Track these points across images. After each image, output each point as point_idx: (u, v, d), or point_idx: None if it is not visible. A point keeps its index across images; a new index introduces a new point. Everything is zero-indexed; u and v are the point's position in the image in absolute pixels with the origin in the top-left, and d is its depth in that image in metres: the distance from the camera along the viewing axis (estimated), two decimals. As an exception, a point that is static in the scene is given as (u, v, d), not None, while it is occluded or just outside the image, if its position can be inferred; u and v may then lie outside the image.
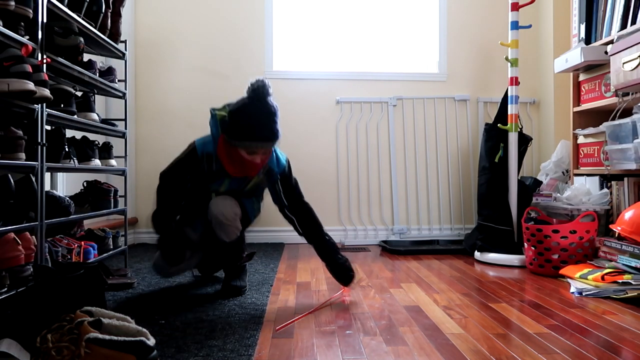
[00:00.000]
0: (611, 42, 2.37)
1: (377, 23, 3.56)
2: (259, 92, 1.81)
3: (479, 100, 3.53)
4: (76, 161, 1.96)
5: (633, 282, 1.93)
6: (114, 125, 2.33)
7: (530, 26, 2.88)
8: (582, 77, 2.71)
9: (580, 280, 2.09)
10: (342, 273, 1.95)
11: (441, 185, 3.51)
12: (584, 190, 2.52)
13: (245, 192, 2.00)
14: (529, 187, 2.86)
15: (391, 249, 3.06)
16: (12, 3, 1.53)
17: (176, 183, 1.93)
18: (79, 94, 2.21)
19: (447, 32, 3.52)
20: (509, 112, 2.79)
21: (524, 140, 2.84)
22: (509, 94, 2.79)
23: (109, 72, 2.36)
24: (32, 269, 1.61)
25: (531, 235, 2.38)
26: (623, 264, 2.08)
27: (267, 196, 2.13)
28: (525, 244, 2.46)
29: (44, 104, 1.71)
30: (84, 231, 2.32)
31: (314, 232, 2.00)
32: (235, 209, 1.91)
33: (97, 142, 2.19)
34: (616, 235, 2.21)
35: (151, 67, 3.43)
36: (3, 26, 1.51)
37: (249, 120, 1.79)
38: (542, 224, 2.47)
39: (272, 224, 3.46)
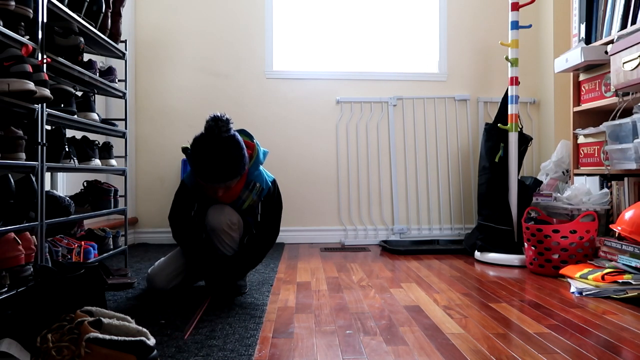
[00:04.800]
0: (611, 42, 2.37)
1: (377, 23, 3.56)
2: (210, 132, 1.76)
3: (479, 100, 3.53)
4: (76, 161, 1.96)
5: (633, 282, 1.93)
6: (114, 125, 2.33)
7: (530, 26, 2.88)
8: (582, 77, 2.71)
9: (581, 280, 2.09)
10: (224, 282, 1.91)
11: (441, 185, 3.51)
12: (584, 190, 2.52)
13: (243, 211, 1.97)
14: (529, 187, 2.86)
15: (391, 249, 3.06)
16: (12, 3, 1.53)
17: (183, 219, 1.96)
18: (79, 93, 2.22)
19: (447, 32, 3.52)
20: (509, 112, 2.79)
21: (524, 140, 2.84)
22: (509, 93, 2.79)
23: (109, 72, 2.36)
24: (32, 269, 1.61)
25: (531, 235, 2.38)
26: (623, 264, 2.08)
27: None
28: (525, 243, 2.46)
29: (44, 104, 1.71)
30: (84, 231, 2.32)
31: (247, 251, 1.97)
32: (231, 217, 1.91)
33: (97, 142, 2.19)
34: (616, 235, 2.21)
35: (151, 67, 3.43)
36: (3, 26, 1.51)
37: (197, 160, 1.77)
38: (542, 223, 2.47)
39: (272, 224, 3.46)
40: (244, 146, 1.83)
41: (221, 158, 1.75)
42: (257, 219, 2.00)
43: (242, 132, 1.98)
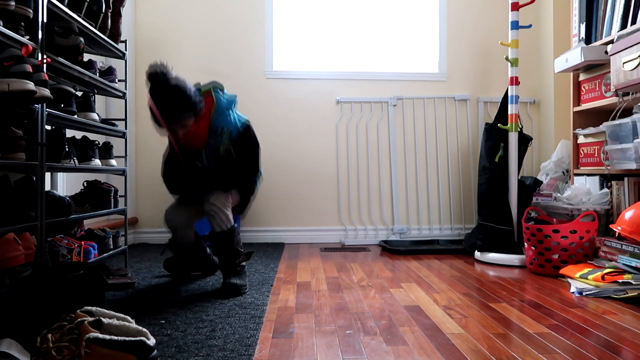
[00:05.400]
0: (611, 41, 2.37)
1: (377, 23, 3.56)
2: (150, 81, 1.95)
3: (479, 100, 3.53)
4: (76, 161, 1.96)
5: (633, 282, 1.93)
6: (114, 125, 2.33)
7: (530, 26, 2.87)
8: (582, 77, 2.71)
9: (581, 280, 2.09)
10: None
11: (441, 185, 3.51)
12: (584, 190, 2.52)
13: (224, 160, 2.09)
14: (529, 187, 2.86)
15: (391, 249, 3.05)
16: (12, 3, 1.53)
17: (173, 173, 2.20)
18: (79, 94, 2.22)
19: (447, 32, 3.52)
20: (509, 112, 2.79)
21: (524, 140, 2.84)
22: (509, 93, 2.79)
23: (109, 72, 2.36)
24: (32, 269, 1.61)
25: (531, 235, 2.38)
26: (623, 264, 2.08)
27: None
28: (525, 243, 2.46)
29: (44, 104, 1.71)
30: (84, 231, 2.32)
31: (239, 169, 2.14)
32: (224, 201, 2.09)
33: (97, 142, 2.19)
34: (616, 235, 2.21)
35: (151, 67, 3.43)
36: (3, 26, 1.51)
37: (150, 106, 1.97)
38: (542, 223, 2.47)
39: (272, 224, 3.46)
40: (187, 84, 1.98)
41: (165, 94, 1.93)
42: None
43: (213, 88, 2.15)
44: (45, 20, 1.74)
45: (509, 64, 2.79)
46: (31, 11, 1.62)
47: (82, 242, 2.09)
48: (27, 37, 1.68)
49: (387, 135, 3.50)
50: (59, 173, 2.55)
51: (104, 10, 2.14)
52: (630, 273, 2.00)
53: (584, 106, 2.67)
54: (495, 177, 2.82)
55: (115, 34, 2.33)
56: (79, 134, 2.59)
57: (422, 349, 1.34)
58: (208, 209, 2.04)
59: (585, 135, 2.66)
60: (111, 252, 2.31)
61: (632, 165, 2.25)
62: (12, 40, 1.55)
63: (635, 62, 2.06)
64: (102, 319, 1.01)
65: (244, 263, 2.11)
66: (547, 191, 2.72)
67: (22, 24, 1.64)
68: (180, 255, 2.27)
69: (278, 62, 3.51)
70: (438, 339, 1.42)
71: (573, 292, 1.98)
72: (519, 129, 2.80)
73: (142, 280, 2.20)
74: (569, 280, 2.14)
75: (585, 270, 2.12)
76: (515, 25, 2.78)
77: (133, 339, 0.97)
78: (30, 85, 1.48)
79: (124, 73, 2.51)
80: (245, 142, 2.13)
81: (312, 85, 3.49)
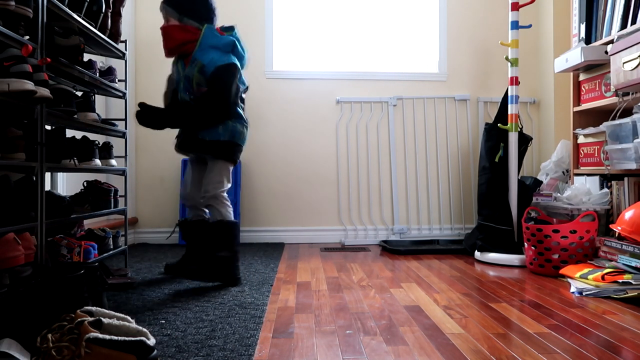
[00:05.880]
0: (611, 41, 2.37)
1: (377, 23, 3.56)
2: None
3: (479, 100, 3.53)
4: (76, 161, 1.96)
5: (633, 282, 1.93)
6: (114, 125, 2.33)
7: (530, 26, 2.87)
8: (582, 77, 2.71)
9: (581, 280, 2.09)
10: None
11: (441, 185, 3.51)
12: (584, 190, 2.52)
13: (195, 92, 2.16)
14: (529, 187, 2.86)
15: (391, 249, 3.05)
16: (12, 3, 1.52)
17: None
18: (79, 93, 2.21)
19: (447, 32, 3.52)
20: (509, 112, 2.79)
21: (524, 140, 2.84)
22: (509, 93, 2.79)
23: (109, 72, 2.36)
24: (32, 269, 1.61)
25: (531, 235, 2.38)
26: (623, 264, 2.08)
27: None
28: (525, 243, 2.46)
29: (44, 104, 1.71)
30: (84, 231, 2.32)
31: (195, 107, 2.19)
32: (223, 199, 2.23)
33: (97, 142, 2.19)
34: (616, 235, 2.21)
35: (151, 67, 3.43)
36: (3, 26, 1.51)
37: None
38: (542, 223, 2.47)
39: (272, 224, 3.46)
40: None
41: None
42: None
43: (230, 27, 2.25)
44: (45, 20, 1.74)
45: (509, 64, 2.79)
46: (31, 11, 1.62)
47: (82, 242, 2.09)
48: (27, 37, 1.68)
49: (387, 135, 3.50)
50: (59, 173, 2.55)
51: (104, 10, 2.14)
52: (630, 273, 2.00)
53: (584, 106, 2.67)
54: (495, 177, 2.82)
55: (115, 34, 2.33)
56: (79, 134, 2.59)
57: (422, 349, 1.34)
58: (207, 204, 2.21)
59: (585, 135, 2.66)
60: (111, 252, 2.31)
61: (632, 165, 2.25)
62: (12, 40, 1.55)
63: (635, 62, 2.06)
64: (102, 319, 1.01)
65: (224, 254, 2.13)
66: (547, 191, 2.72)
67: (22, 24, 1.64)
68: (189, 236, 2.30)
69: (278, 62, 3.51)
70: (438, 339, 1.42)
71: (573, 292, 1.98)
72: (519, 129, 2.80)
73: (142, 280, 2.20)
74: (569, 280, 2.14)
75: (585, 270, 2.12)
76: (515, 25, 2.78)
77: (133, 339, 0.97)
78: (30, 85, 1.48)
79: (124, 73, 2.51)
80: (218, 75, 2.15)
81: (312, 85, 3.49)
